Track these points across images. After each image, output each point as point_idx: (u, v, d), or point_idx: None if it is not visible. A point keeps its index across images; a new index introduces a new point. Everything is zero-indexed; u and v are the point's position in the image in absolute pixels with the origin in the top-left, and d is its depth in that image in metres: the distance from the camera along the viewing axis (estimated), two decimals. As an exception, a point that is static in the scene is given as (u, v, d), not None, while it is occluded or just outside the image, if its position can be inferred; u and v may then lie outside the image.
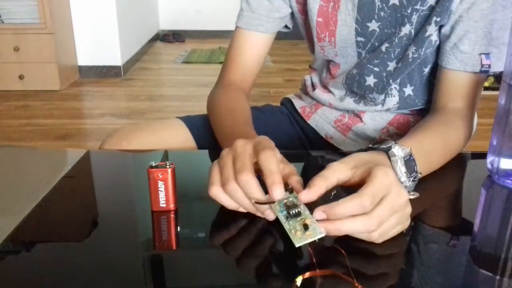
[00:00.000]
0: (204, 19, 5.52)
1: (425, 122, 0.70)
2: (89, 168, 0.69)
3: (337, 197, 0.45)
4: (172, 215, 0.52)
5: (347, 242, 0.46)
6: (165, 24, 5.66)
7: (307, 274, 0.41)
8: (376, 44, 0.80)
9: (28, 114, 2.96)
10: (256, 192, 0.48)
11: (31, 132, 2.67)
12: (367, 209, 0.44)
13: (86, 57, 3.75)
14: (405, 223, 0.48)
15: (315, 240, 0.44)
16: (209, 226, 0.52)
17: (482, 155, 0.66)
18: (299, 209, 0.46)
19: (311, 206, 0.47)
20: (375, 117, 0.88)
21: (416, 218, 0.52)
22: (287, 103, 1.02)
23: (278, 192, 0.46)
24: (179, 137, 0.85)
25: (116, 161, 0.73)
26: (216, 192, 0.50)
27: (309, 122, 0.95)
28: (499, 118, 0.61)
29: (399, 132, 0.87)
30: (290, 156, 0.55)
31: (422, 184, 0.56)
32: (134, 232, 0.51)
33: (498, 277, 0.44)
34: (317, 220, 0.45)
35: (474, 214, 0.55)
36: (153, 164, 0.52)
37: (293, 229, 0.45)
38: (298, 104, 0.99)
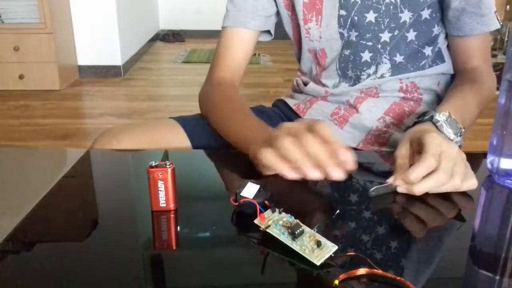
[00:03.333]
0: (204, 19, 5.52)
1: (454, 87, 0.81)
2: (89, 168, 0.69)
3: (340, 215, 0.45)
4: (172, 215, 0.52)
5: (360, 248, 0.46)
6: (165, 24, 5.66)
7: (342, 276, 0.41)
8: (356, 18, 0.82)
9: (28, 114, 2.96)
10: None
11: (31, 132, 2.67)
12: (434, 167, 0.55)
13: (86, 57, 3.75)
14: (467, 164, 0.58)
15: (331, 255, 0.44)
16: (209, 226, 0.52)
17: (482, 155, 0.66)
18: (303, 228, 0.46)
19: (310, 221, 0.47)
20: (371, 108, 0.89)
21: (416, 218, 0.53)
22: (280, 104, 1.02)
23: (336, 173, 0.56)
24: (173, 137, 0.85)
25: (116, 161, 0.73)
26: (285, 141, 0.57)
27: (304, 117, 0.95)
28: (499, 118, 0.61)
29: (395, 121, 0.88)
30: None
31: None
32: (134, 232, 0.51)
33: (498, 277, 0.44)
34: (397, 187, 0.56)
35: (474, 214, 0.55)
36: (153, 164, 0.52)
37: (306, 248, 0.44)
38: (291, 102, 0.99)
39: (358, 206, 0.55)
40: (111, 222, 0.53)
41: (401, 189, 0.56)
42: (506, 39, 3.56)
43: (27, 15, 3.28)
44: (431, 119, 0.67)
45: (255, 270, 0.44)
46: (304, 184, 0.59)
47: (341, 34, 0.86)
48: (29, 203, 0.54)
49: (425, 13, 0.82)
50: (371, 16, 0.82)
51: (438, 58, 0.87)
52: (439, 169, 0.55)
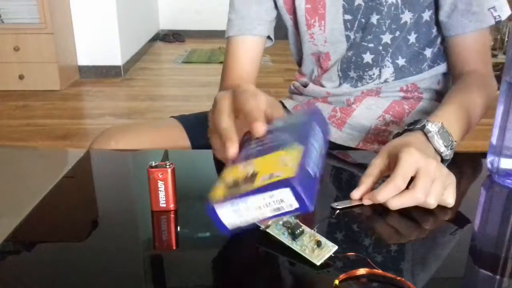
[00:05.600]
0: (204, 19, 5.52)
1: (448, 95, 0.76)
2: (89, 168, 0.69)
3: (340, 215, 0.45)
4: (172, 215, 0.52)
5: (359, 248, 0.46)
6: (165, 24, 5.66)
7: (342, 276, 0.41)
8: (363, 20, 0.82)
9: (28, 114, 2.96)
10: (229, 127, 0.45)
11: (31, 132, 2.67)
12: (402, 188, 0.52)
13: (86, 57, 3.75)
14: (450, 179, 0.54)
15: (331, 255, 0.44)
16: (209, 226, 0.52)
17: (482, 155, 0.66)
18: (303, 228, 0.46)
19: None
20: (371, 106, 0.88)
21: (415, 218, 0.53)
22: None
23: (259, 128, 0.44)
24: (172, 136, 0.84)
25: (116, 161, 0.73)
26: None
27: None
28: (499, 118, 0.61)
29: (394, 119, 0.88)
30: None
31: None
32: (134, 232, 0.51)
33: (498, 277, 0.44)
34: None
35: (474, 214, 0.55)
36: (153, 164, 0.52)
37: (306, 249, 0.44)
38: (290, 105, 0.99)
39: (358, 206, 0.55)
40: (111, 222, 0.53)
41: (366, 202, 0.54)
42: (506, 39, 3.56)
43: (27, 15, 3.28)
44: (422, 128, 0.63)
45: (255, 270, 0.44)
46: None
47: (347, 37, 0.85)
48: (29, 203, 0.54)
49: (426, 15, 0.81)
50: (373, 18, 0.81)
51: (438, 58, 0.87)
52: (416, 187, 0.52)
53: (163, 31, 5.60)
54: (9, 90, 3.34)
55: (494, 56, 3.47)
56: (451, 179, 0.55)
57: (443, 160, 0.62)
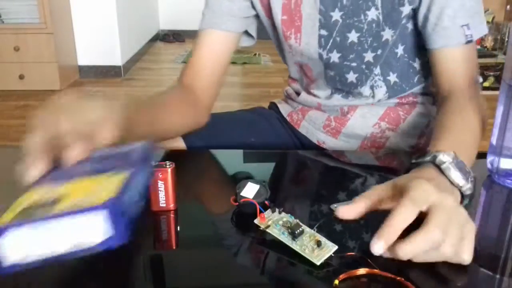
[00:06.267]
0: (204, 19, 5.51)
1: (445, 117, 0.67)
2: (89, 168, 0.68)
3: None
4: (172, 215, 0.52)
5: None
6: (165, 24, 5.66)
7: (342, 276, 0.41)
8: (338, 39, 0.79)
9: (28, 114, 2.96)
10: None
11: (31, 132, 2.67)
12: (440, 241, 0.42)
13: (86, 57, 3.75)
14: (469, 227, 0.44)
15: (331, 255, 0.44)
16: (209, 226, 0.52)
17: (482, 155, 0.66)
18: (302, 227, 0.46)
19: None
20: (366, 114, 0.87)
21: (416, 218, 0.52)
22: (275, 108, 1.01)
23: (71, 155, 0.43)
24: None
25: (116, 161, 0.73)
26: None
27: (299, 130, 0.95)
28: (499, 118, 0.61)
29: (390, 126, 0.87)
30: (287, 155, 0.54)
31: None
32: (134, 232, 0.51)
33: (498, 277, 0.44)
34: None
35: (474, 214, 0.55)
36: (153, 164, 0.52)
37: (306, 248, 0.44)
38: (284, 111, 0.98)
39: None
40: (111, 222, 0.53)
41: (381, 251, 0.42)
42: (506, 39, 3.56)
43: (27, 15, 3.28)
44: (433, 160, 0.52)
45: (255, 270, 0.44)
46: (304, 184, 0.59)
47: (320, 55, 0.81)
48: (29, 203, 0.54)
49: (410, 25, 0.78)
50: (353, 36, 0.78)
51: (429, 71, 0.82)
52: (428, 225, 0.42)
53: (163, 31, 5.60)
54: (9, 90, 3.34)
55: (494, 56, 3.47)
56: (470, 227, 0.44)
57: (463, 197, 0.53)
